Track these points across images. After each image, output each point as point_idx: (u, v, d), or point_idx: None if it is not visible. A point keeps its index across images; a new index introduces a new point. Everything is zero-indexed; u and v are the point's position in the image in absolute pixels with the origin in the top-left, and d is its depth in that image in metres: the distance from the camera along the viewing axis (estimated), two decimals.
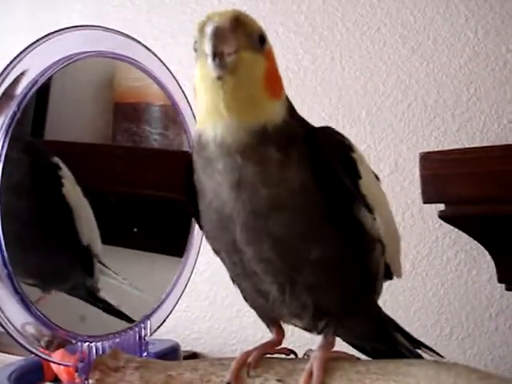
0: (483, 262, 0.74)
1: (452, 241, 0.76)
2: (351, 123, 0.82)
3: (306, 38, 0.85)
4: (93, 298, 0.62)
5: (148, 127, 0.80)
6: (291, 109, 0.44)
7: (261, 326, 0.51)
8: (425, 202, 0.65)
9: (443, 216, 0.66)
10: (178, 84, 0.69)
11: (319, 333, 0.47)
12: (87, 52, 0.59)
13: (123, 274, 0.66)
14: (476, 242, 0.70)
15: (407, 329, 0.53)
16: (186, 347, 0.87)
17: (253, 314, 0.50)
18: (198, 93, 0.42)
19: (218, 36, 0.39)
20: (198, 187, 0.45)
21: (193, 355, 0.91)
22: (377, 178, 0.48)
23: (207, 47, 0.39)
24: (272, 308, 0.46)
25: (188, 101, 0.70)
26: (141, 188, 0.74)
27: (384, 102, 0.80)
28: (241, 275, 0.46)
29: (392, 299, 0.77)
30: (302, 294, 0.44)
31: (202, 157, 0.43)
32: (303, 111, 0.87)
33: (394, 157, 0.80)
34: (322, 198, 0.42)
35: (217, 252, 0.47)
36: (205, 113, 0.42)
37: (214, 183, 0.43)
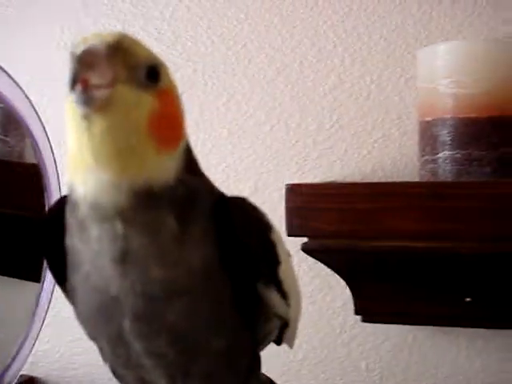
0: (338, 288, 0.75)
1: (308, 267, 0.75)
2: (212, 141, 0.78)
3: (167, 46, 0.80)
4: None
5: None
6: (192, 164, 0.36)
7: None
8: (289, 235, 0.64)
9: (306, 249, 0.65)
10: (17, 85, 0.61)
11: None
12: None
13: None
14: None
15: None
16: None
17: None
18: (67, 134, 0.33)
19: (87, 62, 0.31)
20: (70, 252, 0.36)
21: (29, 380, 0.83)
22: (288, 254, 0.42)
23: (71, 74, 0.31)
24: None
25: (31, 103, 0.63)
26: None
27: (247, 122, 0.78)
28: (123, 366, 0.38)
29: None
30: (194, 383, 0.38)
31: (75, 217, 0.34)
32: None
33: (255, 179, 0.78)
34: (226, 279, 0.36)
35: (93, 339, 0.38)
36: (72, 161, 0.33)
37: (92, 253, 0.34)
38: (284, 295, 0.39)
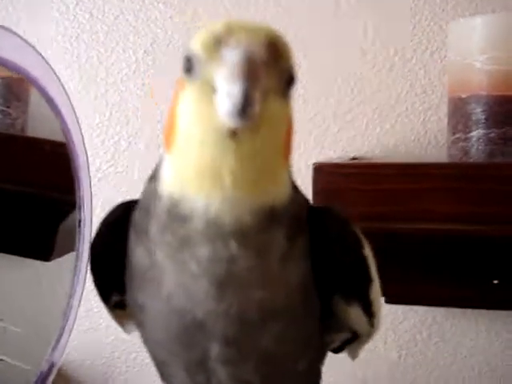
0: None
1: None
2: None
3: (176, 11, 0.75)
4: None
5: None
6: (291, 178, 0.33)
7: None
8: None
9: None
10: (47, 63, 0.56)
11: None
12: None
13: None
14: None
15: None
16: None
17: None
18: (182, 136, 0.29)
19: (251, 72, 0.26)
20: (143, 271, 0.32)
21: None
22: None
23: (230, 84, 0.26)
24: None
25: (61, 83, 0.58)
26: None
27: None
28: None
29: None
30: None
31: (176, 233, 0.30)
32: (169, 93, 0.79)
33: None
34: (317, 296, 0.33)
35: (161, 363, 0.35)
36: (193, 173, 0.29)
37: (186, 274, 0.30)
38: (371, 314, 0.36)
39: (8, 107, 0.68)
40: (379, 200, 0.61)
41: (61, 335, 0.54)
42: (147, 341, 0.35)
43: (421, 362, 0.72)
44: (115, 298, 0.37)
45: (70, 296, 0.55)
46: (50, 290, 0.61)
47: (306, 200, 0.35)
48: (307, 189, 0.57)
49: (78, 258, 0.59)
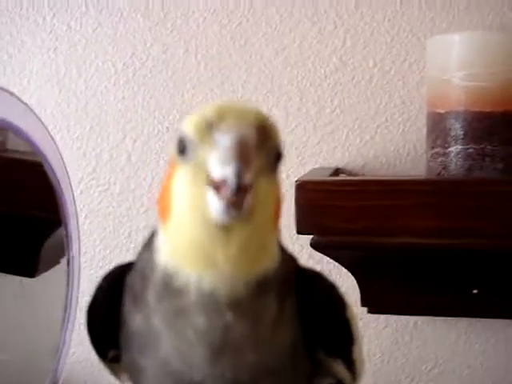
0: (349, 285, 0.73)
1: (315, 261, 0.74)
2: None
3: (156, 23, 0.75)
4: None
5: None
6: (279, 238, 0.34)
7: None
8: (298, 233, 0.62)
9: (315, 245, 0.64)
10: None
11: None
12: None
13: None
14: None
15: None
16: None
17: None
18: (175, 216, 0.30)
19: (243, 154, 0.27)
20: (140, 335, 0.33)
21: None
22: None
23: (225, 171, 0.27)
24: None
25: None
26: None
27: None
28: None
29: None
30: None
31: (171, 303, 0.31)
32: (150, 105, 0.79)
33: None
34: (307, 356, 0.35)
35: None
36: (186, 251, 0.31)
37: (182, 340, 0.31)
38: (353, 371, 0.38)
39: None
40: (361, 215, 0.62)
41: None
42: None
43: (403, 365, 0.74)
44: (111, 353, 0.38)
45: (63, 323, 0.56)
46: (39, 312, 0.62)
47: (294, 259, 0.36)
48: (290, 202, 0.59)
49: (68, 276, 0.60)
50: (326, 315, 0.35)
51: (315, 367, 0.37)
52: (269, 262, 0.32)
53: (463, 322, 0.72)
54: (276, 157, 0.31)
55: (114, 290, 0.35)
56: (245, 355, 0.32)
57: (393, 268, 0.66)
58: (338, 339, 0.36)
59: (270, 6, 0.73)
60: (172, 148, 0.31)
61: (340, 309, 0.36)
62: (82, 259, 0.66)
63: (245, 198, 0.27)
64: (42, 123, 0.52)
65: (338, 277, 0.74)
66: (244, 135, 0.28)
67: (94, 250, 0.78)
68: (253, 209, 0.28)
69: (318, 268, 0.70)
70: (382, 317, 0.74)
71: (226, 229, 0.29)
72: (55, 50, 0.78)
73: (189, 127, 0.30)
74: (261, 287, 0.31)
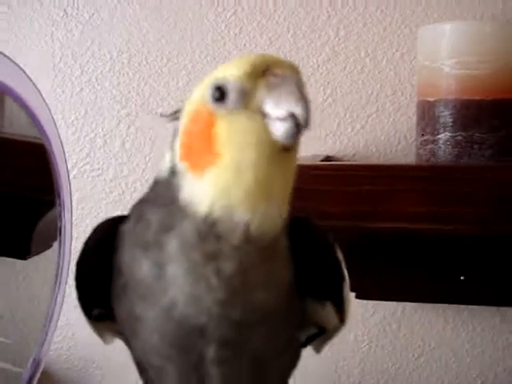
0: None
1: None
2: None
3: (151, 11, 0.76)
4: None
5: None
6: None
7: None
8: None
9: None
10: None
11: None
12: None
13: None
14: None
15: None
16: None
17: None
18: (229, 159, 0.31)
19: (305, 97, 0.30)
20: (145, 283, 0.34)
21: None
22: None
23: (293, 106, 0.30)
24: None
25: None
26: None
27: None
28: None
29: None
30: None
31: (202, 250, 0.32)
32: (144, 92, 0.79)
33: None
34: (298, 298, 0.36)
35: (152, 367, 0.36)
36: (241, 191, 0.31)
37: (201, 286, 0.32)
38: (342, 311, 0.39)
39: None
40: (350, 200, 0.62)
41: (46, 334, 0.55)
42: (139, 349, 0.37)
43: (390, 353, 0.75)
44: (96, 312, 0.39)
45: (53, 294, 0.56)
46: (30, 289, 0.63)
47: None
48: None
49: (60, 257, 0.61)
50: (317, 255, 0.36)
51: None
52: (288, 205, 0.34)
53: (451, 310, 0.73)
54: None
55: (105, 242, 0.36)
56: (255, 296, 0.33)
57: (382, 253, 0.67)
58: (329, 279, 0.37)
59: None
60: (201, 98, 0.33)
61: (330, 250, 0.38)
62: (74, 244, 0.67)
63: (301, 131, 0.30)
64: (38, 90, 0.53)
65: None
66: (298, 79, 0.31)
67: (86, 235, 0.79)
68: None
69: None
70: (370, 304, 0.75)
71: (285, 153, 0.31)
72: (51, 35, 0.79)
73: (234, 74, 0.32)
74: (280, 229, 0.33)
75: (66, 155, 0.80)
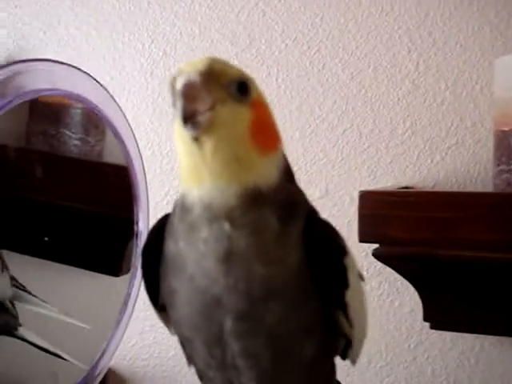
0: (406, 294, 0.75)
1: (376, 271, 0.76)
2: (284, 143, 0.79)
3: (242, 49, 0.82)
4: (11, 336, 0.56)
5: (67, 131, 0.74)
6: (289, 173, 0.40)
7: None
8: (361, 241, 0.64)
9: (377, 255, 0.66)
10: (99, 84, 0.63)
11: None
12: None
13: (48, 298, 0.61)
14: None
15: None
16: None
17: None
18: (178, 152, 0.38)
19: (189, 94, 0.35)
20: (172, 258, 0.38)
21: None
22: (361, 277, 0.44)
23: (178, 107, 0.35)
24: None
25: (116, 102, 0.65)
26: (59, 198, 0.69)
27: (319, 126, 0.79)
28: (216, 367, 0.39)
29: None
30: None
31: (186, 221, 0.37)
32: None
33: (325, 182, 0.79)
34: (314, 286, 0.38)
35: (187, 340, 0.40)
36: (187, 173, 0.37)
37: (197, 254, 0.36)
38: (348, 317, 0.40)
39: (87, 135, 0.76)
40: (421, 227, 0.63)
41: (110, 341, 0.59)
42: (176, 321, 0.40)
43: None
44: (162, 301, 0.42)
45: (124, 303, 0.61)
46: (109, 299, 0.67)
47: (302, 193, 0.40)
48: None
49: (133, 269, 0.65)
50: (324, 259, 0.38)
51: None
52: (258, 178, 0.37)
53: None
54: (239, 86, 0.37)
55: (161, 232, 0.41)
56: (252, 266, 0.36)
57: (456, 282, 0.67)
58: (334, 284, 0.39)
59: (346, 33, 0.78)
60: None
61: (338, 255, 0.39)
62: None
63: (200, 117, 0.35)
64: (129, 123, 0.59)
65: (400, 290, 0.75)
66: (189, 78, 0.35)
67: None
68: (213, 126, 0.35)
69: (378, 280, 0.74)
70: (448, 337, 0.74)
71: (197, 142, 0.36)
72: (151, 73, 0.86)
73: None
74: (253, 200, 0.36)
75: (160, 184, 0.86)
